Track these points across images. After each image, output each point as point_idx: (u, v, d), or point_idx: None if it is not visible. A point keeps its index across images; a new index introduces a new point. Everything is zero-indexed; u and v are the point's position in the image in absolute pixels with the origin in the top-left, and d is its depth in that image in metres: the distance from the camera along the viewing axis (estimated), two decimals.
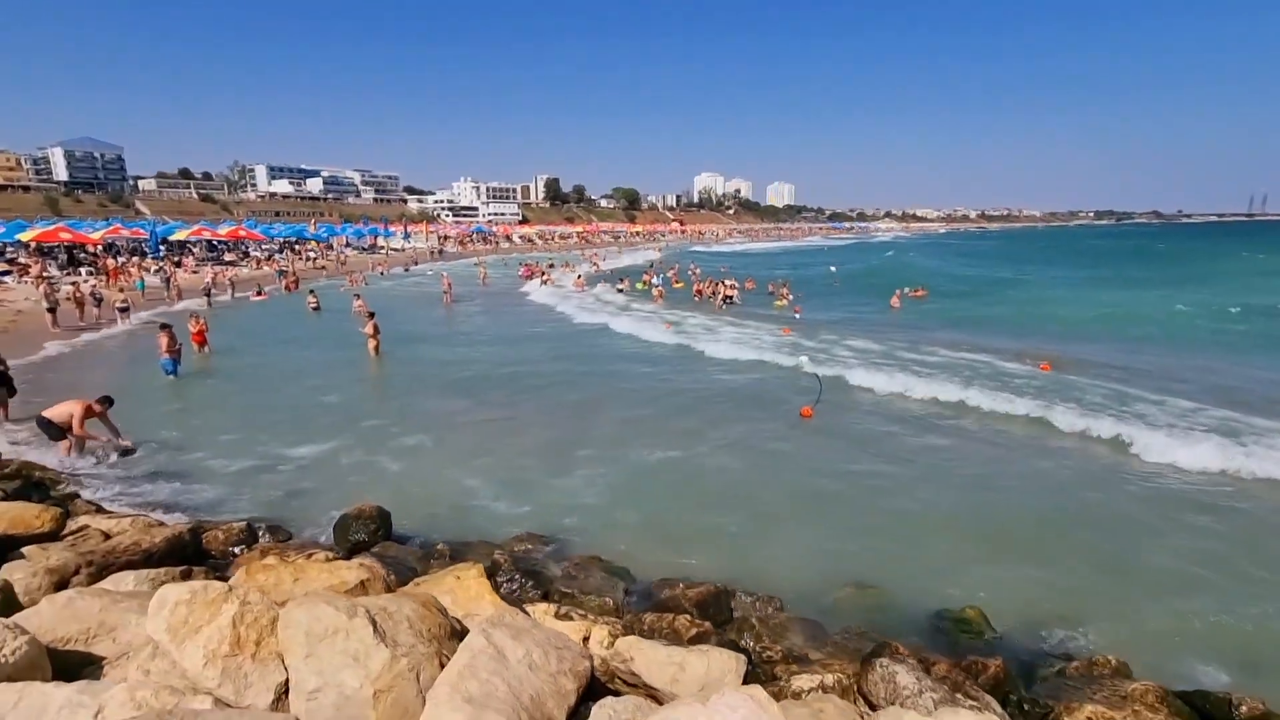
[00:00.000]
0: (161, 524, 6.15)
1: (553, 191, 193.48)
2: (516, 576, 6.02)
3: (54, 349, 19.37)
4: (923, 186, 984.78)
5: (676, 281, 39.84)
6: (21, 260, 37.62)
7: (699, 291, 34.00)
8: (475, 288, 39.73)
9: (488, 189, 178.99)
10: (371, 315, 19.29)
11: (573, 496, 9.02)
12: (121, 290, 26.93)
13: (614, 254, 74.70)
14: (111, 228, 43.46)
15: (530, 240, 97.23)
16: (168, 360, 15.61)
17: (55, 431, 10.03)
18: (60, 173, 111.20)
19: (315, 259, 53.70)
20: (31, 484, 7.14)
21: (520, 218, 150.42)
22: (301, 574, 3.78)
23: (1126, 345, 20.16)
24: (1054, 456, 10.53)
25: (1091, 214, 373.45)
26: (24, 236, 36.58)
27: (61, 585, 4.49)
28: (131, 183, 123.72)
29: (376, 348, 18.62)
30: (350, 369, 17.57)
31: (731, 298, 31.01)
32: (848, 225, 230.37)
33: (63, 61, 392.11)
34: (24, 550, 4.90)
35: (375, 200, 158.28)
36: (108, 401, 10.49)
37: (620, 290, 35.09)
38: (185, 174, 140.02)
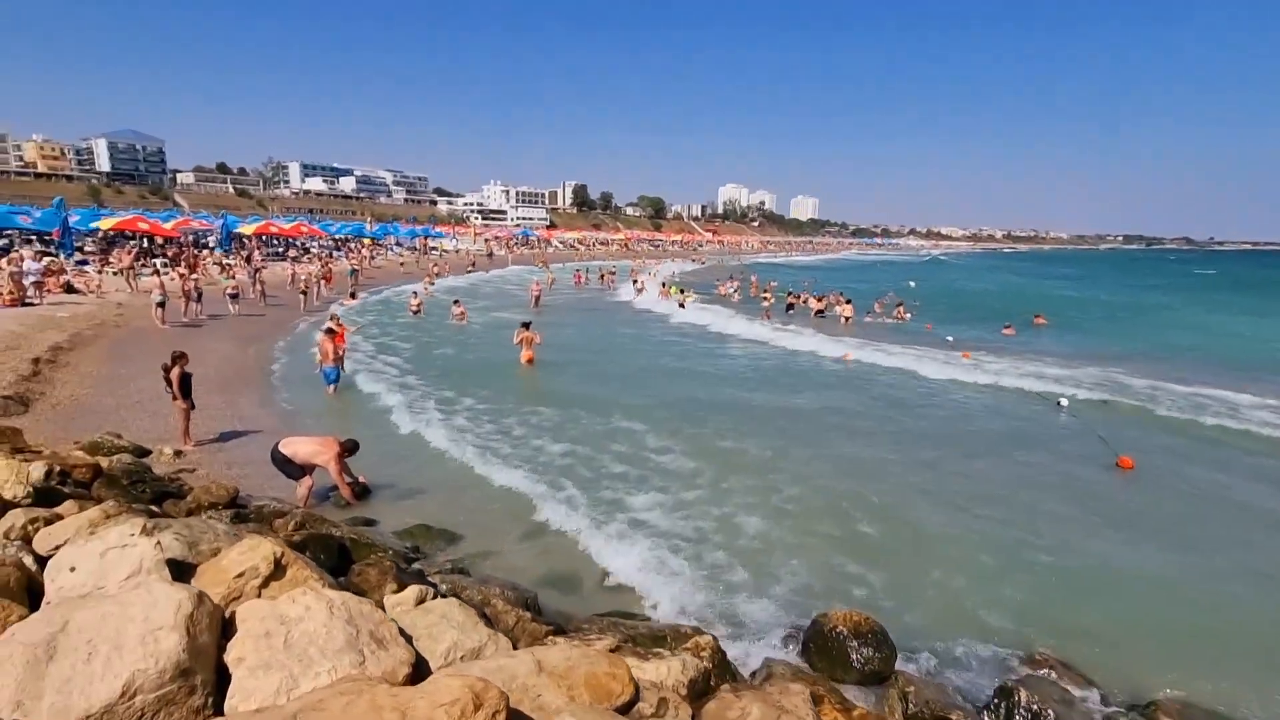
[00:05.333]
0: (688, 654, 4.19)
1: (580, 198, 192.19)
2: None
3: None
4: (947, 205, 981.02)
5: (760, 293, 38.06)
6: (88, 249, 36.02)
7: (791, 304, 33.71)
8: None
9: (517, 193, 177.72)
10: (527, 325, 17.60)
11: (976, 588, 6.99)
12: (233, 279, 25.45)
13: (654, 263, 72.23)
14: (181, 219, 41.99)
15: (573, 246, 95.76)
16: (331, 369, 13.84)
17: (296, 470, 8.14)
18: (103, 163, 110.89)
19: (381, 255, 52.30)
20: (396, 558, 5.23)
21: (549, 223, 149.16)
22: None
23: None
24: None
25: (1120, 238, 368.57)
26: (101, 225, 34.98)
27: None
28: (170, 175, 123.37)
29: (530, 359, 16.98)
30: (513, 382, 15.74)
31: (850, 317, 28.69)
32: (877, 241, 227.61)
33: (110, 55, 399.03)
34: None
35: (406, 200, 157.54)
36: (354, 446, 8.51)
37: (682, 305, 32.80)
38: (222, 168, 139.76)
